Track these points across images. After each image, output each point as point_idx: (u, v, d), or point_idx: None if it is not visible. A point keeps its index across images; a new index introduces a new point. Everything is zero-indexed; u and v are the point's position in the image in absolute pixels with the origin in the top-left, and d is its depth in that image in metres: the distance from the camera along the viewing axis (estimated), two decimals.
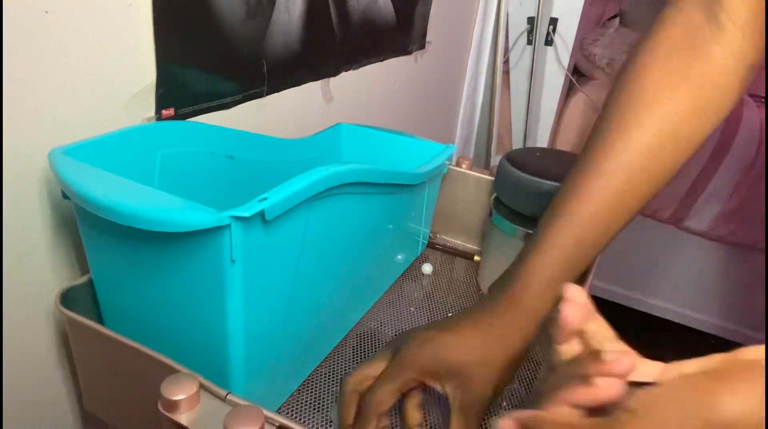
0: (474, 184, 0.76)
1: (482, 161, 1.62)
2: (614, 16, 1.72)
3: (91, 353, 0.45)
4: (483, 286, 0.70)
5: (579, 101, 1.63)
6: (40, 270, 0.49)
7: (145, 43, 0.52)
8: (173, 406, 0.35)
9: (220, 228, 0.34)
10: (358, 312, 0.62)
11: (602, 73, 1.62)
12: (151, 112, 0.55)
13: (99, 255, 0.44)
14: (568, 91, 1.61)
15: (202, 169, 0.54)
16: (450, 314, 0.65)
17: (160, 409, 0.35)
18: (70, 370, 0.55)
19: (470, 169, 0.76)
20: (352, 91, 0.91)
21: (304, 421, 0.49)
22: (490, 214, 0.66)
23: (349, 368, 0.55)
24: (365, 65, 0.93)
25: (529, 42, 1.49)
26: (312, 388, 0.52)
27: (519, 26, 1.49)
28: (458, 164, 0.77)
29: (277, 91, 0.73)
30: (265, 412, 0.35)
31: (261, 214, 0.35)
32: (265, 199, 0.36)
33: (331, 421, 0.49)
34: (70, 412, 0.57)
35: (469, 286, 0.71)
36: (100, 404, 0.50)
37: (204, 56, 0.59)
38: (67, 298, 0.44)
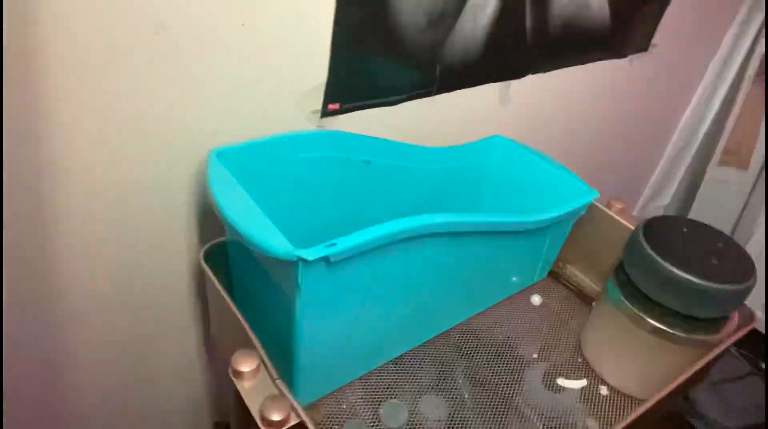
0: (619, 231, 0.71)
1: (700, 172, 1.41)
2: None
3: (219, 305, 0.59)
4: (583, 346, 0.67)
5: None
6: (187, 226, 0.61)
7: (323, 48, 0.58)
8: (238, 374, 0.46)
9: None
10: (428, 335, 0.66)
11: None
12: (318, 105, 0.63)
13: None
14: None
15: (340, 173, 0.62)
16: (535, 355, 0.65)
17: (230, 370, 0.47)
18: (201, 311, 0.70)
19: (619, 214, 0.71)
20: (533, 95, 0.88)
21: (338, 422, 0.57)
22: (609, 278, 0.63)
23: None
24: (559, 69, 0.88)
25: None
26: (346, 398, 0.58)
27: None
28: (609, 206, 0.72)
29: (448, 91, 0.75)
30: (294, 404, 0.44)
31: (325, 258, 0.42)
32: (333, 244, 0.42)
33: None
34: (194, 338, 0.72)
35: (570, 338, 0.70)
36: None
37: (377, 64, 0.64)
38: (208, 254, 0.58)
